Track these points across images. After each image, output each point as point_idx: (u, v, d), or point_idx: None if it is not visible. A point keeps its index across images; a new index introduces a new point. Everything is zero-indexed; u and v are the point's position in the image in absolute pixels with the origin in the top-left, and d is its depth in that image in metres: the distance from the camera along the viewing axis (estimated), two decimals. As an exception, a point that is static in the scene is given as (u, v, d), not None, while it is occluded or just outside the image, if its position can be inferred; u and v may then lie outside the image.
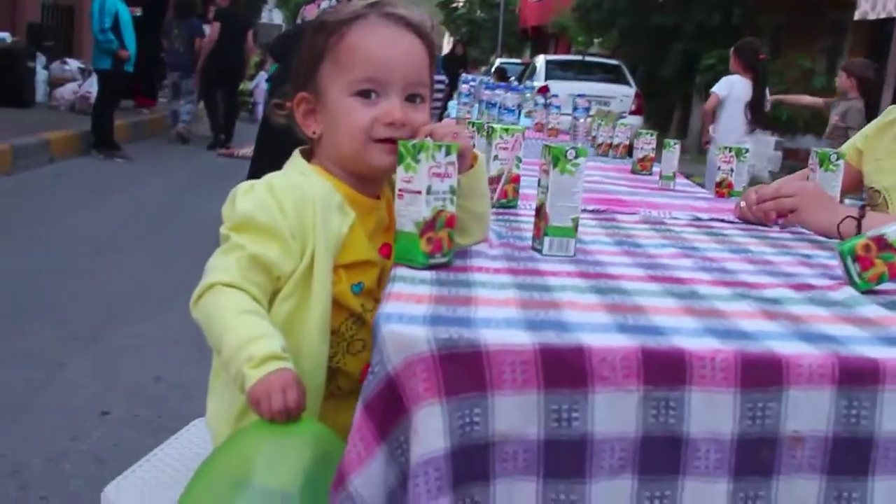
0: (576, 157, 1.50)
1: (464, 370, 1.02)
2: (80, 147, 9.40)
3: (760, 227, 2.04)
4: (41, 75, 11.41)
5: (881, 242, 1.43)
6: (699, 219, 2.11)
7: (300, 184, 1.38)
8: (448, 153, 1.34)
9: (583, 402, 1.03)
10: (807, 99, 8.62)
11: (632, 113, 15.55)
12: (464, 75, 7.60)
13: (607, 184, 2.92)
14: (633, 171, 3.34)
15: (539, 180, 1.55)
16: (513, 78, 15.77)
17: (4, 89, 10.73)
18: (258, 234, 1.32)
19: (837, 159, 2.11)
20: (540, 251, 1.52)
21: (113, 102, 9.58)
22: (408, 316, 1.07)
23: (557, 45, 29.93)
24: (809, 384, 1.05)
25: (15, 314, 4.27)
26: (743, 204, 2.13)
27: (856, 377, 1.06)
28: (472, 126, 2.62)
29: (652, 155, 3.30)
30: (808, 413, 1.06)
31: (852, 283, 1.43)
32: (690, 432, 1.05)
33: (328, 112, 1.43)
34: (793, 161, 11.42)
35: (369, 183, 1.45)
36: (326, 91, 1.42)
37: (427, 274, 1.31)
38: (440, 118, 14.37)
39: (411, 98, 1.43)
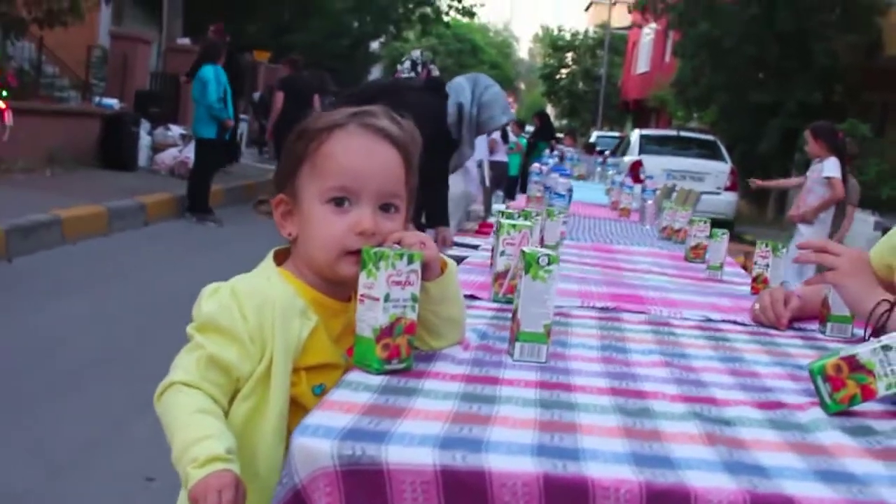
0: (548, 263, 1.52)
1: (366, 487, 1.04)
2: (174, 210, 9.78)
3: (771, 331, 2.00)
4: (144, 140, 11.91)
5: (853, 363, 1.40)
6: (710, 320, 2.08)
7: (263, 288, 1.42)
8: (410, 261, 1.37)
9: (484, 526, 1.04)
10: (793, 181, 8.52)
11: (727, 189, 15.35)
12: (546, 153, 7.65)
13: (654, 272, 2.91)
14: (686, 259, 3.32)
15: (515, 286, 1.56)
16: (606, 151, 15.78)
17: (109, 153, 11.28)
18: (219, 336, 1.37)
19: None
20: (512, 356, 1.53)
21: (212, 169, 9.95)
22: (324, 428, 1.10)
23: (658, 118, 29.86)
24: (719, 519, 1.03)
25: (90, 369, 4.46)
26: (757, 307, 2.10)
27: (768, 515, 1.03)
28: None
29: (705, 243, 3.27)
30: (718, 549, 1.04)
31: (823, 404, 1.40)
32: (595, 562, 1.04)
33: (303, 216, 1.47)
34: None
35: (339, 287, 1.48)
36: (302, 196, 1.47)
37: (377, 379, 1.33)
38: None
39: (385, 207, 1.46)
